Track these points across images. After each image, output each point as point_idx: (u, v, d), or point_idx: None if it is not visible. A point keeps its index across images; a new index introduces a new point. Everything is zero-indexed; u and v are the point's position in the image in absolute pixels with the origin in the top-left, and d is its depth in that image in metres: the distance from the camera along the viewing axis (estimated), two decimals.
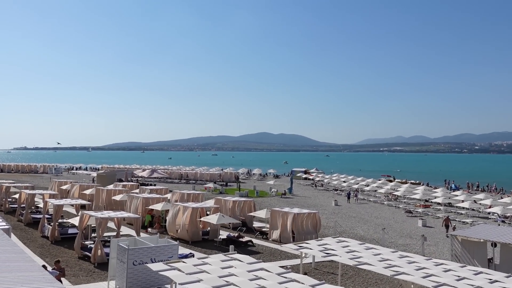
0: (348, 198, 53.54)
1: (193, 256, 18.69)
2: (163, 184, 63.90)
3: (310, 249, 16.37)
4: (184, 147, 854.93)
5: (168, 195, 36.24)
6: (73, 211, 30.04)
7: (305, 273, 16.26)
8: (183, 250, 21.27)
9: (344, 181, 73.01)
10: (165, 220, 28.52)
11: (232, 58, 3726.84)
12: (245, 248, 23.62)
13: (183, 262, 12.71)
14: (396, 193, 54.44)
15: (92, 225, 22.65)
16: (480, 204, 46.09)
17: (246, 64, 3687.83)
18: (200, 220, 26.47)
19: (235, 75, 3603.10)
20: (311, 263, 20.35)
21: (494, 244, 18.72)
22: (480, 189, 77.20)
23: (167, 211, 29.00)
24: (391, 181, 76.32)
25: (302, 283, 10.83)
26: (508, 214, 40.19)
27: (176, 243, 16.61)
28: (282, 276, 11.33)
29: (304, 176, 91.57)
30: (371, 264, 13.92)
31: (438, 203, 48.05)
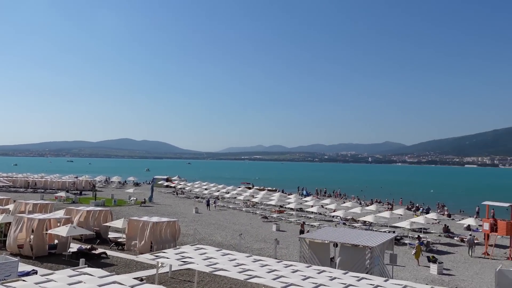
0: (208, 205, 54.33)
1: (36, 273, 16.96)
2: (5, 193, 56.84)
3: (167, 258, 16.16)
4: (34, 153, 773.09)
5: (10, 206, 32.41)
6: None
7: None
8: (24, 267, 19.16)
9: (206, 189, 73.83)
10: (5, 235, 25.39)
11: (92, 58, 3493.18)
12: (98, 261, 22.27)
13: (23, 280, 11.44)
14: (254, 199, 56.92)
15: None
16: (326, 208, 50.74)
17: (107, 66, 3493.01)
18: (47, 233, 24.19)
19: (94, 76, 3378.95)
20: (167, 272, 20.08)
21: (335, 244, 20.74)
22: (327, 194, 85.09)
23: (8, 224, 25.86)
24: (250, 188, 79.61)
25: None
26: (349, 217, 45.02)
27: (16, 259, 14.91)
28: None
29: (166, 184, 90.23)
30: (226, 270, 14.29)
31: (291, 209, 51.57)
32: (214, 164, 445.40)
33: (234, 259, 15.99)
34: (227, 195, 65.81)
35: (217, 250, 17.59)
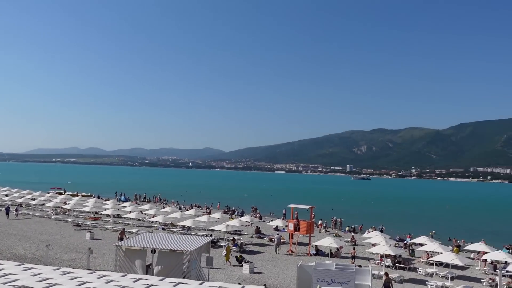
0: (7, 213, 47.85)
1: None
2: None
3: None
4: None
5: None
6: None
7: None
8: None
9: (6, 195, 64.90)
10: None
11: None
12: None
13: None
14: (65, 206, 52.37)
15: None
16: (145, 214, 49.79)
17: None
18: None
19: None
20: None
21: (153, 251, 20.41)
22: (146, 200, 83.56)
23: None
24: (61, 194, 73.15)
25: None
26: (168, 222, 45.02)
27: None
28: None
29: None
30: (28, 287, 12.71)
31: (108, 215, 49.04)
32: (18, 167, 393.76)
33: (39, 274, 14.32)
34: (33, 202, 59.01)
35: (18, 265, 15.51)
